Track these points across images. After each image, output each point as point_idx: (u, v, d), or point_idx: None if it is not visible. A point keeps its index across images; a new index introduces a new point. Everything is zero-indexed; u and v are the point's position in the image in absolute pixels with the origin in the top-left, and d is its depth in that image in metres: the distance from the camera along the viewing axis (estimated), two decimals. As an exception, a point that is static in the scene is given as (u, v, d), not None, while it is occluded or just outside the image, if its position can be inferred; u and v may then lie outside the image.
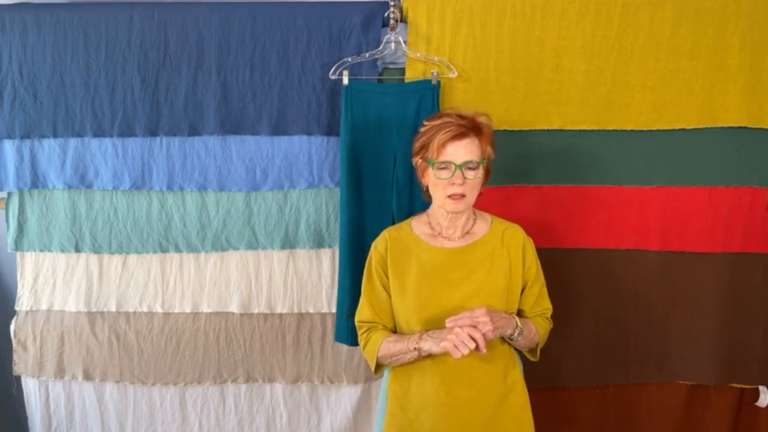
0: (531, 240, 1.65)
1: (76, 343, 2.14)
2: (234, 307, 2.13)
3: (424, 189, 1.63)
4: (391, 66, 2.00)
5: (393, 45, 1.94)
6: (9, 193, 2.08)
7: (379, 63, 1.97)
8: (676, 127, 1.97)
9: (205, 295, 2.13)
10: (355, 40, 1.94)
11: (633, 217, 2.04)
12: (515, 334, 1.52)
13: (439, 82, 1.91)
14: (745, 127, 1.96)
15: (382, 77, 1.99)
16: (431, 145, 1.51)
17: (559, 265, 1.96)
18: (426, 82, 1.92)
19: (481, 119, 1.54)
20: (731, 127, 1.96)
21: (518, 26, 1.92)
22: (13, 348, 2.16)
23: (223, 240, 2.08)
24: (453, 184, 1.49)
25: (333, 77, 1.92)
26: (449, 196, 1.51)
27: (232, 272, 2.13)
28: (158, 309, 2.14)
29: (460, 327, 1.40)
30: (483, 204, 1.64)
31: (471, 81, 1.96)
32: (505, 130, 1.95)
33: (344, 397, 2.20)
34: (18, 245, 2.10)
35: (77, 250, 2.09)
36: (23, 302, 2.15)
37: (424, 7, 1.92)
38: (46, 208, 2.08)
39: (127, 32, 1.94)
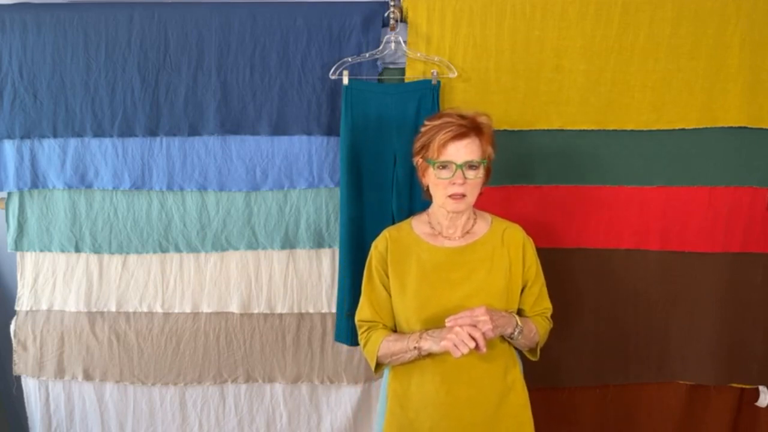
0: (531, 240, 1.65)
1: (76, 343, 2.14)
2: (234, 307, 2.13)
3: (425, 189, 1.63)
4: (391, 66, 2.00)
5: (393, 45, 1.94)
6: (9, 193, 2.08)
7: (379, 63, 1.97)
8: (676, 127, 1.97)
9: (205, 295, 2.13)
10: (355, 40, 1.94)
11: (633, 217, 2.04)
12: (515, 333, 1.52)
13: (439, 82, 1.91)
14: (745, 127, 1.96)
15: (382, 77, 1.99)
16: (432, 145, 1.51)
17: (559, 265, 1.96)
18: (426, 82, 1.92)
19: (482, 119, 1.54)
20: (731, 127, 1.96)
21: (518, 26, 1.92)
22: (13, 348, 2.16)
23: (223, 240, 2.08)
24: (454, 183, 1.50)
25: (333, 77, 1.92)
26: (450, 196, 1.51)
27: (232, 272, 2.13)
28: (158, 309, 2.14)
29: (460, 326, 1.40)
30: (483, 204, 1.64)
31: (471, 81, 1.96)
32: (505, 130, 1.95)
33: (344, 397, 2.20)
34: (18, 245, 2.10)
35: (77, 250, 2.09)
36: (23, 302, 2.15)
37: (424, 7, 1.92)
38: (46, 208, 2.08)
39: (127, 32, 1.94)
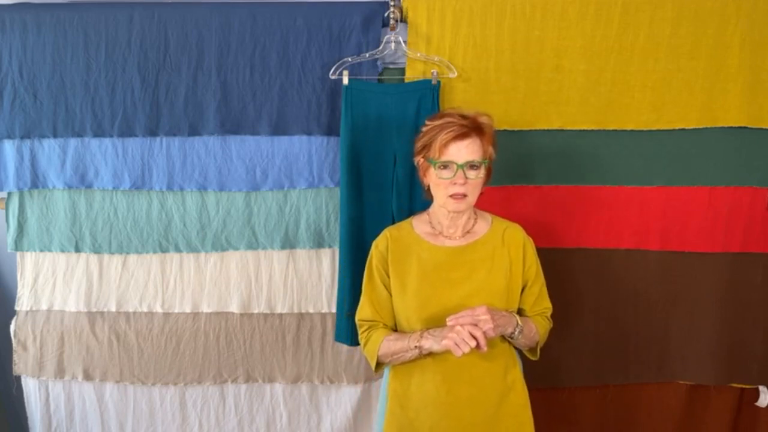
0: (531, 240, 1.65)
1: (76, 343, 2.14)
2: (234, 307, 2.13)
3: (426, 188, 1.63)
4: (391, 66, 2.00)
5: (393, 45, 1.94)
6: (9, 193, 2.08)
7: (379, 63, 1.97)
8: (676, 127, 1.97)
9: (205, 295, 2.13)
10: (355, 40, 1.94)
11: (633, 217, 2.04)
12: (516, 333, 1.52)
13: (439, 82, 1.91)
14: (745, 127, 1.96)
15: (382, 77, 1.99)
16: (433, 145, 1.51)
17: (559, 265, 1.96)
18: (426, 82, 1.92)
19: (483, 119, 1.54)
20: (731, 127, 1.96)
21: (518, 26, 1.92)
22: (13, 348, 2.16)
23: (223, 240, 2.08)
24: (455, 183, 1.50)
25: (333, 77, 1.92)
26: (451, 196, 1.51)
27: (232, 272, 2.13)
28: (158, 309, 2.14)
29: (461, 325, 1.40)
30: (483, 204, 1.64)
31: (471, 81, 1.96)
32: (505, 130, 1.95)
33: (344, 397, 2.20)
34: (18, 245, 2.10)
35: (77, 250, 2.09)
36: (23, 302, 2.15)
37: (424, 7, 1.92)
38: (46, 208, 2.08)
39: (127, 32, 1.94)
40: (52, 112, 1.98)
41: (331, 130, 1.99)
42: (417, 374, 1.57)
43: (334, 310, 2.09)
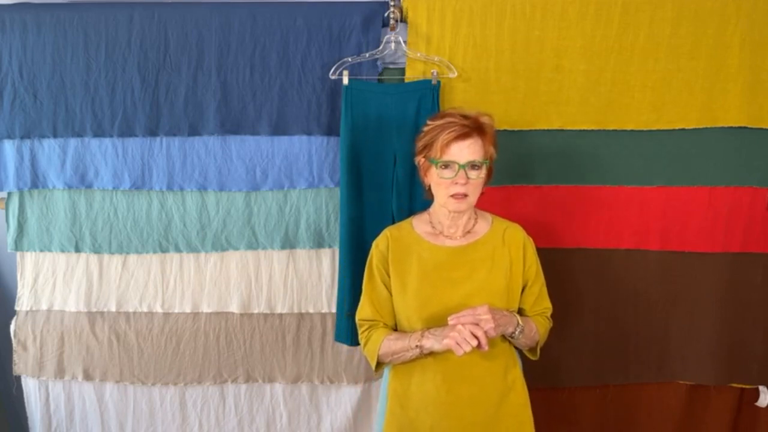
0: (531, 240, 1.65)
1: (76, 343, 2.14)
2: (234, 307, 2.13)
3: (427, 188, 1.63)
4: (391, 66, 2.00)
5: (393, 45, 1.94)
6: (9, 193, 2.08)
7: (379, 63, 1.97)
8: (676, 127, 1.97)
9: (205, 295, 2.13)
10: (355, 40, 1.94)
11: (633, 217, 2.04)
12: (516, 333, 1.52)
13: (439, 82, 1.91)
14: (745, 127, 1.96)
15: (382, 77, 1.99)
16: (435, 145, 1.51)
17: (559, 265, 1.96)
18: (426, 82, 1.92)
19: (484, 119, 1.54)
20: (731, 127, 1.96)
21: (518, 26, 1.92)
22: (13, 348, 2.16)
23: (223, 240, 2.08)
24: (456, 183, 1.50)
25: (333, 77, 1.92)
26: (452, 196, 1.51)
27: (232, 272, 2.13)
28: (158, 309, 2.14)
29: (463, 324, 1.40)
30: (483, 204, 1.64)
31: (471, 81, 1.96)
32: (505, 130, 1.95)
33: (344, 397, 2.20)
34: (18, 245, 2.10)
35: (77, 250, 2.09)
36: (23, 302, 2.15)
37: (424, 7, 1.92)
38: (46, 208, 2.08)
39: (127, 32, 1.94)
40: (52, 112, 1.98)
41: (331, 130, 1.99)
42: (417, 374, 1.57)
43: (334, 310, 2.09)
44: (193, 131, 2.00)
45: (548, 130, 1.99)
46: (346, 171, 1.91)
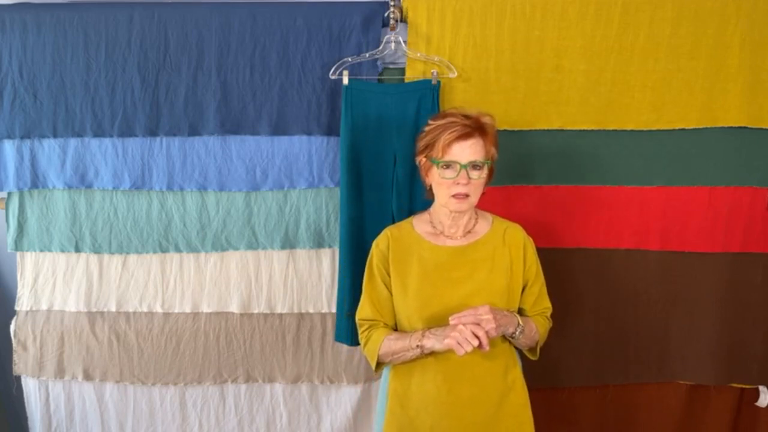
0: (531, 240, 1.65)
1: (76, 343, 2.14)
2: (234, 307, 2.13)
3: (428, 188, 1.63)
4: (391, 66, 2.00)
5: (393, 45, 1.94)
6: (9, 193, 2.08)
7: (379, 63, 1.97)
8: (676, 127, 1.97)
9: (205, 295, 2.13)
10: (355, 40, 1.94)
11: (633, 217, 2.04)
12: (517, 333, 1.52)
13: (439, 82, 1.91)
14: (745, 127, 1.96)
15: (382, 77, 1.99)
16: (436, 145, 1.51)
17: (559, 265, 1.96)
18: (426, 82, 1.92)
19: (486, 119, 1.54)
20: (731, 127, 1.96)
21: (518, 26, 1.92)
22: (13, 348, 2.16)
23: (223, 240, 2.08)
24: (457, 183, 1.50)
25: (333, 77, 1.92)
26: (453, 196, 1.51)
27: (232, 272, 2.13)
28: (158, 309, 2.14)
29: (464, 324, 1.41)
30: (484, 204, 1.64)
31: (471, 81, 1.96)
32: (505, 130, 1.95)
33: (344, 397, 2.20)
34: (18, 245, 2.10)
35: (77, 250, 2.09)
36: (23, 302, 2.15)
37: (424, 7, 1.92)
38: (46, 208, 2.08)
39: (127, 32, 1.94)
40: (52, 112, 1.98)
41: (331, 130, 1.99)
42: (417, 374, 1.57)
43: (334, 310, 2.09)
44: (193, 131, 2.00)
45: (548, 130, 1.99)
46: (346, 171, 1.91)
